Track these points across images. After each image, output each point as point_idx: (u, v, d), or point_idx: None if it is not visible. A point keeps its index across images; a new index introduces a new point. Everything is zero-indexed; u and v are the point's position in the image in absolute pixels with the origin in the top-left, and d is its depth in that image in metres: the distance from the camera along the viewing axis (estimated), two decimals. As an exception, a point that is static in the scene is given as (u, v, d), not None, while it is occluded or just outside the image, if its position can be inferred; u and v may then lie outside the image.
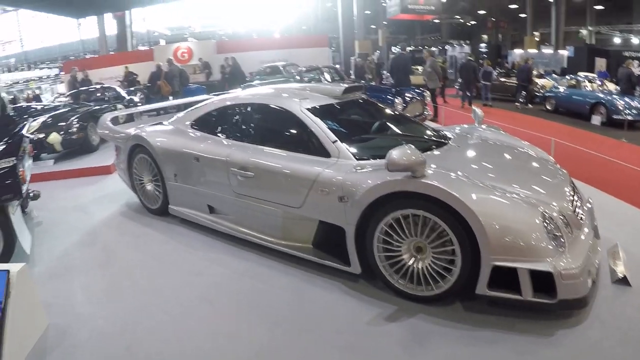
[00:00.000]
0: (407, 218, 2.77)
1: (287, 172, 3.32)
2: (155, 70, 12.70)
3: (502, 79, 17.33)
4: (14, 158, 3.89)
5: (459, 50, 28.15)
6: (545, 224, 2.60)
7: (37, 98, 21.04)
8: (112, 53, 22.47)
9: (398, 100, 7.53)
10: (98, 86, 10.69)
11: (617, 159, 6.24)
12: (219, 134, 4.17)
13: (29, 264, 3.85)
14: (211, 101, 4.63)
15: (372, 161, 3.17)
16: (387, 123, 4.05)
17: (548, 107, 14.21)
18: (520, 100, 14.64)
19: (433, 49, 20.97)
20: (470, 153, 3.64)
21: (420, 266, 2.83)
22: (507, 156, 3.63)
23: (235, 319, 2.97)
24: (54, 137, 7.50)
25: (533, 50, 27.06)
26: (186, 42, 21.23)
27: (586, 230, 2.92)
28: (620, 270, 3.09)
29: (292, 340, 2.71)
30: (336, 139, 3.38)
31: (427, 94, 9.26)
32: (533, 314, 2.72)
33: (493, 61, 21.77)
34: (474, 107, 4.38)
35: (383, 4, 28.73)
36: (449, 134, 4.00)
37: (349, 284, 3.23)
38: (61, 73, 23.87)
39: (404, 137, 3.70)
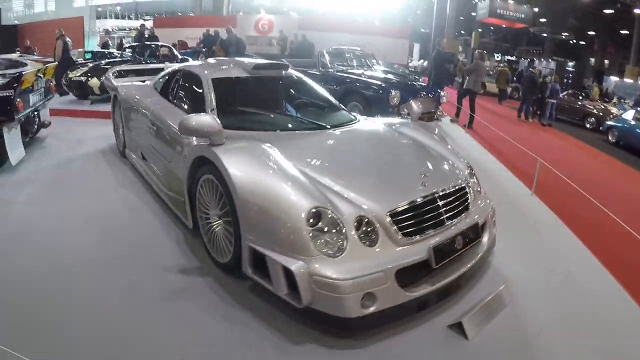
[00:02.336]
0: (209, 183, 3.03)
1: (170, 129, 3.76)
2: (213, 35, 14.01)
3: (573, 100, 16.60)
4: (11, 90, 5.24)
5: (544, 65, 27.16)
6: (312, 222, 2.43)
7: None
8: (201, 15, 24.28)
9: (393, 93, 7.67)
10: (154, 44, 12.16)
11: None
12: (160, 93, 5.06)
13: (10, 172, 5.30)
14: (172, 67, 5.57)
15: (229, 130, 3.35)
16: (293, 102, 4.41)
17: (610, 139, 13.39)
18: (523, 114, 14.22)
19: (499, 56, 20.35)
20: (338, 142, 3.63)
21: (218, 231, 3.07)
22: (384, 155, 3.49)
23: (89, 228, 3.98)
24: (94, 82, 9.06)
25: (629, 80, 25.48)
26: (269, 15, 22.54)
27: (417, 251, 2.62)
28: (469, 315, 2.72)
29: (122, 250, 3.66)
30: (214, 107, 3.74)
31: (444, 93, 9.24)
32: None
33: (597, 88, 20.93)
34: (411, 101, 4.53)
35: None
36: (357, 123, 4.09)
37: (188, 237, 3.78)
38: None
39: (291, 116, 4.07)
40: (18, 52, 13.44)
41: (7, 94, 5.21)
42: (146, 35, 13.95)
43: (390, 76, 9.06)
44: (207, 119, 2.99)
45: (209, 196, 3.13)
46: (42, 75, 6.20)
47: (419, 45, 26.07)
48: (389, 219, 2.59)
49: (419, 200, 2.80)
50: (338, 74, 8.57)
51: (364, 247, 2.48)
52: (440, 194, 2.93)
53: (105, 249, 3.63)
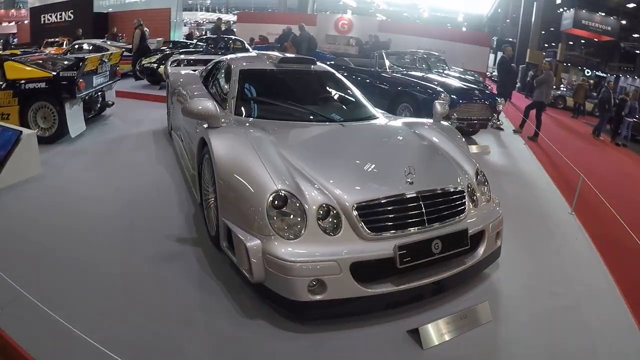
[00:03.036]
0: (207, 162, 3.26)
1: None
2: (286, 32, 14.46)
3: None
4: (74, 72, 5.86)
5: (630, 82, 25.21)
6: (278, 204, 2.51)
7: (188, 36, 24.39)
8: (282, 13, 25.02)
9: (442, 96, 7.46)
10: (227, 37, 12.81)
11: None
12: (202, 82, 5.45)
13: (68, 143, 5.93)
14: (219, 58, 5.94)
15: (241, 117, 3.69)
16: (314, 95, 4.44)
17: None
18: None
19: (588, 71, 19.20)
20: (340, 136, 3.62)
21: (212, 207, 3.24)
22: (379, 151, 3.45)
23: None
24: (162, 69, 9.74)
25: None
26: (348, 15, 22.75)
27: (381, 247, 2.56)
28: (431, 324, 2.61)
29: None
30: (235, 96, 3.98)
31: (501, 101, 8.89)
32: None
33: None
34: (435, 102, 4.22)
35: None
36: (374, 120, 4.13)
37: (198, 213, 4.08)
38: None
39: (306, 108, 3.99)
40: (107, 37, 14.69)
41: (71, 75, 5.86)
42: (222, 29, 14.67)
43: (452, 81, 8.76)
44: (206, 104, 3.19)
45: (207, 174, 3.37)
46: (106, 60, 6.84)
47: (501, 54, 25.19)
48: (355, 212, 2.56)
49: (394, 197, 2.69)
50: (392, 75, 8.52)
51: (323, 234, 2.50)
52: (425, 194, 2.79)
53: (122, 215, 4.05)
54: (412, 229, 2.67)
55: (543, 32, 25.95)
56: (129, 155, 5.88)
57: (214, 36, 13.54)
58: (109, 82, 7.24)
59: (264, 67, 4.52)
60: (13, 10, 38.16)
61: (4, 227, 3.69)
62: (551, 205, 5.59)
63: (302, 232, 2.48)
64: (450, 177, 3.14)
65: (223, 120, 3.48)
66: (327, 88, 4.66)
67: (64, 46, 15.42)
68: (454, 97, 7.35)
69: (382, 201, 2.66)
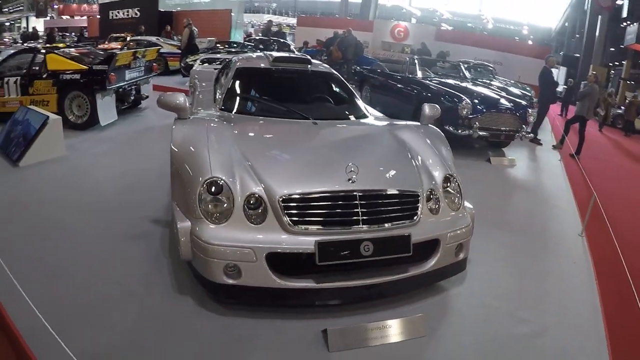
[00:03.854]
0: None
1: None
2: (331, 37, 14.78)
3: None
4: (106, 65, 6.46)
5: None
6: (213, 190, 2.64)
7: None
8: (340, 18, 25.36)
9: (463, 103, 6.95)
10: (272, 39, 13.33)
11: None
12: (214, 78, 5.64)
13: (98, 130, 6.56)
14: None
15: (224, 112, 3.87)
16: (303, 93, 4.44)
17: None
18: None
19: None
20: (305, 132, 3.61)
21: None
22: (334, 149, 3.36)
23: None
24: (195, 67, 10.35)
25: None
26: (405, 22, 22.71)
27: (302, 242, 2.55)
28: (345, 328, 2.56)
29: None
30: (224, 92, 4.19)
31: (532, 111, 7.93)
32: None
33: None
34: (424, 105, 4.08)
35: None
36: (359, 119, 4.14)
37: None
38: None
39: (286, 107, 3.96)
40: (162, 35, 15.61)
41: (102, 68, 6.46)
42: (273, 31, 15.22)
43: (483, 90, 8.41)
44: (175, 97, 3.37)
45: None
46: (140, 57, 7.44)
47: (565, 69, 24.17)
48: (281, 204, 2.59)
49: (327, 193, 2.68)
50: (420, 81, 8.38)
51: (247, 223, 2.59)
52: (365, 194, 2.72)
53: (117, 195, 4.52)
54: (339, 228, 2.62)
55: (612, 49, 24.73)
56: (149, 144, 6.41)
57: (264, 38, 14.08)
58: (144, 77, 7.86)
59: (259, 66, 4.66)
60: (85, 5, 41.10)
61: (19, 198, 4.35)
62: (563, 225, 5.11)
63: (228, 218, 2.59)
64: (406, 181, 2.99)
65: (207, 112, 3.79)
66: (319, 87, 4.69)
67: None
68: (478, 105, 7.14)
69: (313, 196, 2.65)
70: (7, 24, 47.46)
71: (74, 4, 43.13)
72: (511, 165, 7.20)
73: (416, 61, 9.06)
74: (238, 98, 4.29)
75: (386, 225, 2.73)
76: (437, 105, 4.12)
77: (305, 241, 2.55)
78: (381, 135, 3.72)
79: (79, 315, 2.65)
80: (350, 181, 2.74)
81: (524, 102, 8.19)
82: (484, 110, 7.17)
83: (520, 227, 4.68)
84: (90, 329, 2.54)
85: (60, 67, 6.59)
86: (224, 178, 2.69)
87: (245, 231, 2.57)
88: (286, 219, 2.58)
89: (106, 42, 16.49)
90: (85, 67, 6.57)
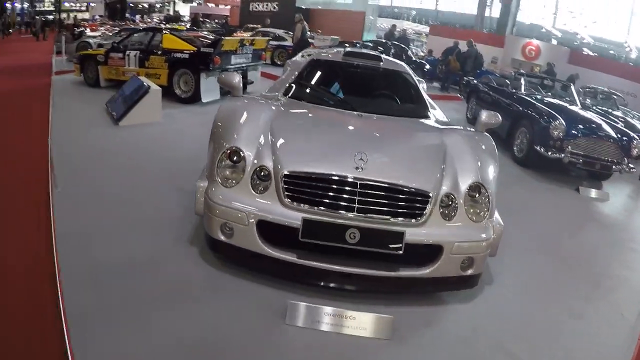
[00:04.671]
0: None
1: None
2: (451, 46, 14.47)
3: None
4: (211, 49, 7.13)
5: None
6: (235, 159, 2.84)
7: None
8: (472, 30, 24.54)
9: (556, 123, 6.28)
10: (389, 43, 13.41)
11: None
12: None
13: (199, 106, 7.28)
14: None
15: (285, 97, 4.01)
16: (365, 87, 4.47)
17: None
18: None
19: None
20: (343, 122, 3.61)
21: None
22: (363, 140, 3.27)
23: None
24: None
25: None
26: (538, 41, 21.32)
27: (292, 216, 2.63)
28: (308, 305, 2.54)
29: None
30: (293, 80, 4.37)
31: (637, 142, 6.76)
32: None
33: None
34: (482, 112, 3.86)
35: None
36: (424, 120, 4.01)
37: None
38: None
39: (342, 99, 4.05)
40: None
41: (208, 51, 7.14)
42: (396, 35, 15.29)
43: (586, 114, 7.65)
44: (233, 77, 3.67)
45: None
46: (247, 44, 8.04)
47: None
48: (283, 179, 2.70)
49: (329, 176, 2.71)
50: (521, 96, 7.99)
51: (251, 191, 2.75)
52: (367, 183, 2.70)
53: (190, 160, 4.84)
54: (330, 210, 2.64)
55: None
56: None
57: (381, 40, 14.24)
58: (251, 64, 8.48)
59: (331, 59, 4.82)
60: None
61: (111, 148, 5.23)
62: (629, 269, 4.12)
63: (237, 184, 2.79)
64: (421, 180, 2.83)
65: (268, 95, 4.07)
66: (386, 84, 4.63)
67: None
68: (573, 127, 6.47)
69: (313, 177, 2.70)
70: (158, 5, 52.85)
71: None
72: (601, 199, 6.19)
73: (522, 77, 8.62)
74: (300, 86, 4.44)
75: (380, 218, 2.65)
76: (497, 114, 3.88)
77: (294, 216, 2.63)
78: (422, 134, 3.67)
79: (111, 229, 3.32)
80: (358, 169, 2.73)
81: (632, 134, 7.22)
82: (579, 134, 6.45)
83: (575, 262, 4.04)
84: (114, 241, 3.16)
85: (173, 46, 7.42)
86: (243, 148, 2.87)
87: (246, 197, 2.75)
88: (284, 193, 2.69)
89: (241, 31, 17.82)
90: (194, 48, 7.30)
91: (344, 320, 2.53)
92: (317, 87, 4.43)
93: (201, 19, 21.88)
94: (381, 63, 4.72)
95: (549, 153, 6.38)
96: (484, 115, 3.80)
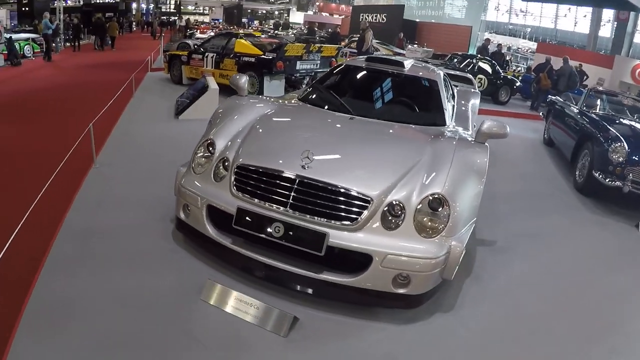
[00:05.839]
0: None
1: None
2: (543, 62, 13.65)
3: None
4: (274, 54, 7.66)
5: None
6: (209, 149, 3.16)
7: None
8: (577, 49, 22.82)
9: (616, 146, 5.49)
10: (476, 57, 13.06)
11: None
12: None
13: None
14: None
15: (297, 100, 4.16)
16: (388, 95, 4.37)
17: None
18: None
19: None
20: (323, 125, 3.64)
21: None
22: (332, 142, 3.30)
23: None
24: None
25: None
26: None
27: (232, 202, 2.81)
28: (224, 287, 2.68)
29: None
30: (312, 82, 4.86)
31: None
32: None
33: None
34: (485, 120, 3.59)
35: None
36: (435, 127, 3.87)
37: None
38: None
39: (348, 105, 3.97)
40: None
41: (271, 57, 7.68)
42: (489, 51, 14.81)
43: None
44: (239, 79, 3.93)
45: None
46: (313, 51, 8.46)
47: None
48: (235, 169, 2.92)
49: (272, 171, 2.81)
50: (592, 115, 6.97)
51: (212, 179, 3.03)
52: (306, 181, 2.71)
53: None
54: (264, 203, 2.73)
55: None
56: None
57: (467, 54, 13.91)
58: (319, 70, 8.86)
59: (354, 64, 4.81)
60: (343, 6, 44.86)
61: (164, 138, 5.85)
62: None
63: (203, 171, 3.10)
64: (367, 184, 2.73)
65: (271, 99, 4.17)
66: (406, 91, 4.48)
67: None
68: (637, 153, 5.54)
69: (260, 170, 2.84)
70: (276, 12, 55.37)
71: (333, 4, 47.71)
72: None
73: (599, 95, 7.88)
74: (313, 89, 4.55)
75: (308, 216, 2.64)
76: (504, 125, 3.55)
77: (233, 203, 2.80)
78: (406, 142, 3.48)
79: (120, 202, 3.86)
80: (304, 167, 2.77)
81: None
82: None
83: (584, 307, 3.21)
84: (117, 211, 3.57)
85: (243, 50, 8.06)
86: (217, 141, 3.20)
87: (206, 184, 3.04)
88: (233, 183, 2.90)
89: (345, 41, 18.36)
90: (260, 52, 7.88)
91: (248, 307, 2.58)
92: (327, 90, 4.41)
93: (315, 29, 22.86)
94: (404, 69, 4.57)
95: (607, 180, 5.45)
96: (486, 123, 3.45)
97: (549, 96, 10.54)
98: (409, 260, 2.55)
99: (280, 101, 4.08)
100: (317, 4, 48.35)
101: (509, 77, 13.45)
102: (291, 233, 2.62)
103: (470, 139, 3.74)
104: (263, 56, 7.81)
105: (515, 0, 37.41)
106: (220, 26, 29.12)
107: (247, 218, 2.73)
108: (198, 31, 17.83)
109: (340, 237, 2.59)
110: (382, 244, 2.57)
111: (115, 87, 7.89)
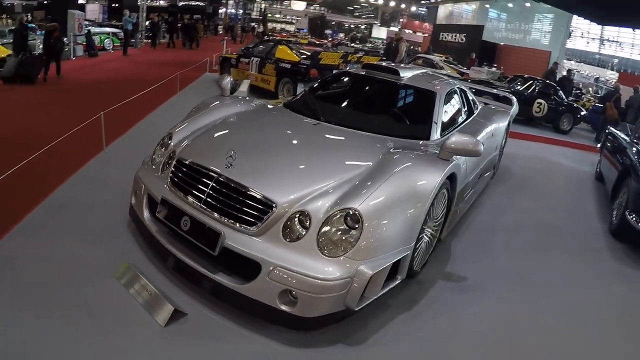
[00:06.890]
0: None
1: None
2: (612, 91, 12.77)
3: None
4: (308, 62, 7.88)
5: None
6: (163, 142, 3.39)
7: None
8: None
9: None
10: (544, 83, 12.47)
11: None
12: None
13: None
14: None
15: (286, 107, 4.12)
16: (376, 104, 4.31)
17: None
18: None
19: None
20: (280, 128, 3.59)
21: None
22: (274, 145, 3.24)
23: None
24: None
25: None
26: None
27: (161, 193, 2.97)
28: (134, 269, 2.84)
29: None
30: (305, 89, 4.67)
31: None
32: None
33: None
34: (454, 132, 3.40)
35: None
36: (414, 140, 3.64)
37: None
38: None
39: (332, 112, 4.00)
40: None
41: (305, 65, 7.91)
42: (556, 77, 14.07)
43: None
44: (222, 79, 4.24)
45: None
46: (351, 61, 8.59)
47: None
48: (174, 163, 3.06)
49: (198, 167, 2.90)
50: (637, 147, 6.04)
51: (159, 171, 3.21)
52: (224, 181, 2.73)
53: None
54: (184, 196, 2.83)
55: None
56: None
57: (529, 77, 13.27)
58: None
59: (355, 72, 4.79)
60: (426, 24, 43.86)
61: None
62: None
63: (154, 163, 3.31)
64: (278, 189, 2.65)
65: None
66: (398, 101, 4.40)
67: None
68: None
69: (189, 165, 2.97)
70: (362, 26, 55.15)
71: (417, 21, 47.24)
72: None
73: None
74: (302, 94, 4.53)
75: (216, 214, 2.65)
76: (477, 141, 3.17)
77: (162, 193, 2.97)
78: (355, 151, 3.26)
79: (113, 183, 4.10)
80: (227, 167, 2.80)
81: None
82: None
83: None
84: (105, 190, 3.93)
85: (282, 56, 8.36)
86: (174, 135, 3.39)
87: (151, 175, 3.24)
88: (169, 175, 3.05)
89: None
90: (297, 59, 8.13)
91: (144, 292, 2.64)
92: (310, 96, 4.31)
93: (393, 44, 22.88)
94: (400, 78, 4.33)
95: (639, 223, 4.50)
96: (453, 137, 3.11)
97: (609, 127, 9.82)
98: (297, 276, 2.33)
99: (262, 104, 4.14)
100: (402, 20, 48.16)
101: (574, 105, 12.74)
102: (195, 228, 2.67)
103: (430, 154, 3.34)
104: (298, 63, 8.05)
105: (606, 30, 35.37)
106: (298, 35, 29.86)
107: (166, 208, 2.87)
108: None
109: (236, 239, 2.52)
110: (275, 255, 2.41)
111: (171, 82, 8.48)
